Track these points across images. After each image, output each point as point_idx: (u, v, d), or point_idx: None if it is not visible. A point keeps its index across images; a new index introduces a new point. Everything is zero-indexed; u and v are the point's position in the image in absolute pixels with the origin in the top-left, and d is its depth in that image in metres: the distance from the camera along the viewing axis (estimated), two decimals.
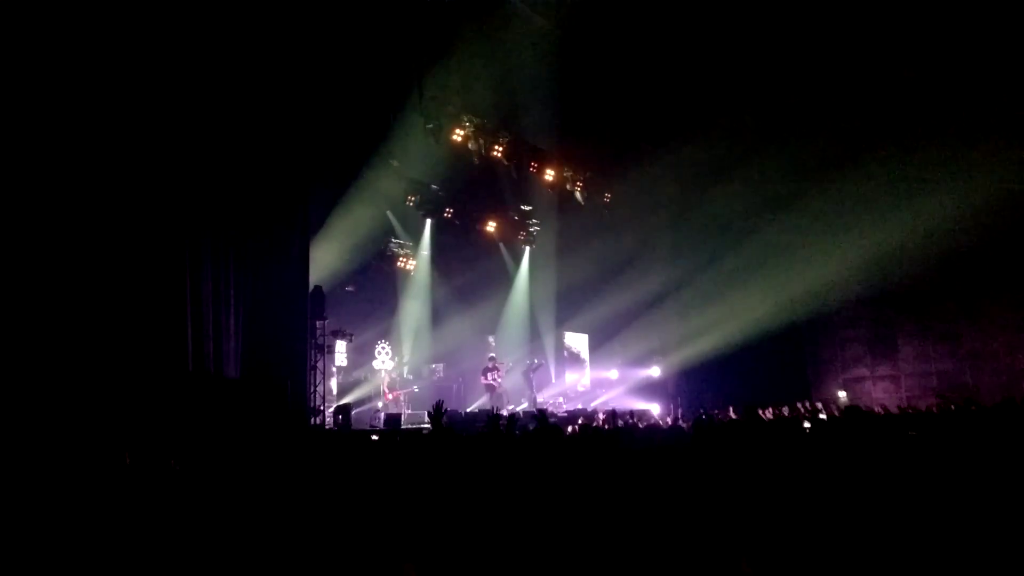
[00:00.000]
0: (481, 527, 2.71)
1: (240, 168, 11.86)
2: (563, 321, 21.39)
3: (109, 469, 5.26)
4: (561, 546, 3.07)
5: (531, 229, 20.31)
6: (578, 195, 19.84)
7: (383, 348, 18.19)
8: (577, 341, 22.18)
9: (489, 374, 17.60)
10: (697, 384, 20.34)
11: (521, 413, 16.20)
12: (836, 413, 13.11)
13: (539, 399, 18.66)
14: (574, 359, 21.64)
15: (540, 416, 7.90)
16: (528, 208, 20.14)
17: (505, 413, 16.21)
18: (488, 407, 16.85)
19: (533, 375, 19.03)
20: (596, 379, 22.04)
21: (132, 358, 9.25)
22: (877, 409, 11.93)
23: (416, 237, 18.70)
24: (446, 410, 6.97)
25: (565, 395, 20.40)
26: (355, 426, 13.89)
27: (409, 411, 16.01)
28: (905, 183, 18.34)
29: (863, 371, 21.59)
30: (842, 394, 20.59)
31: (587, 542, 3.16)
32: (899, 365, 21.07)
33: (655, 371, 21.59)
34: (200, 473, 4.95)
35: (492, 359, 18.04)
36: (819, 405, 15.96)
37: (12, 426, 7.38)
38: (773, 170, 18.72)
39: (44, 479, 5.11)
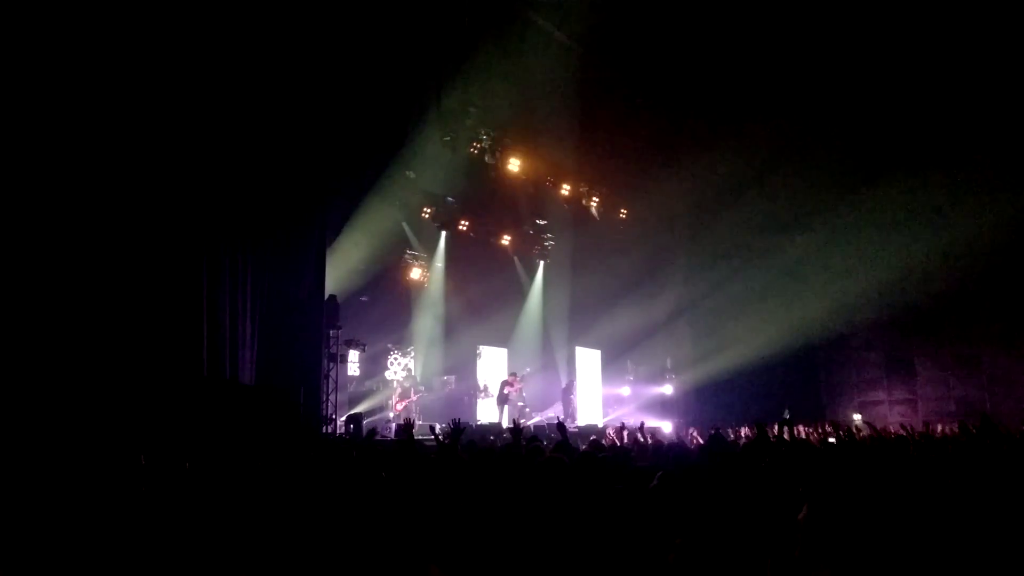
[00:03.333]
0: (499, 535, 2.70)
1: (259, 178, 11.92)
2: (576, 336, 21.32)
3: (125, 470, 5.25)
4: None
5: (546, 243, 20.30)
6: (593, 210, 19.83)
7: (395, 359, 18.20)
8: (589, 357, 22.09)
9: (507, 387, 17.63)
10: (709, 403, 20.19)
11: (532, 427, 16.14)
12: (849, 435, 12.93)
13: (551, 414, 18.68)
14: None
15: (560, 429, 7.88)
16: (543, 222, 20.14)
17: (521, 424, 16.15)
18: (498, 420, 16.84)
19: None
20: (608, 395, 21.94)
21: (149, 362, 9.28)
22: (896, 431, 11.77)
23: (431, 249, 18.71)
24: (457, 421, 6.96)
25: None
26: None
27: (420, 422, 15.94)
28: (925, 204, 18.20)
29: (879, 395, 21.37)
30: (857, 417, 20.38)
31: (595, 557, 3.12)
32: (916, 389, 20.83)
33: (667, 389, 21.46)
34: (216, 476, 4.93)
35: (513, 375, 18.10)
36: (829, 428, 15.75)
37: (31, 427, 7.40)
38: (791, 189, 18.66)
39: (61, 479, 5.11)
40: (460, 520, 2.82)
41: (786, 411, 14.65)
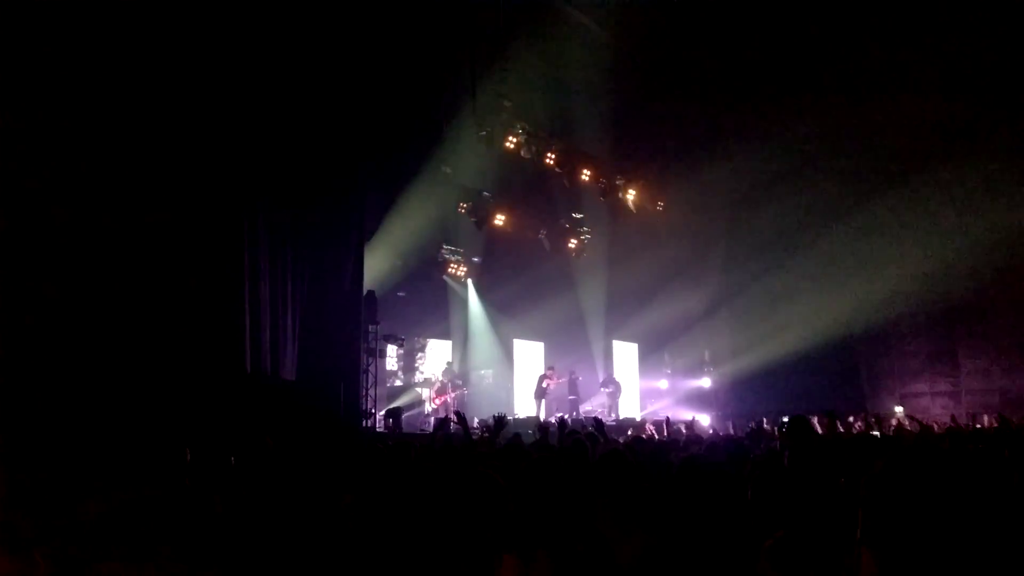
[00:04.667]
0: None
1: (298, 174, 12.07)
2: (613, 330, 21.26)
3: (171, 464, 5.38)
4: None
5: (582, 237, 20.25)
6: (630, 203, 19.74)
7: (433, 354, 18.34)
8: (626, 350, 22.03)
9: (545, 381, 17.70)
10: (749, 396, 20.02)
11: (570, 421, 16.16)
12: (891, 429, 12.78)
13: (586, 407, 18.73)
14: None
15: (597, 427, 7.90)
16: (579, 215, 20.09)
17: (553, 420, 16.22)
18: (536, 413, 16.90)
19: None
20: (646, 389, 21.87)
21: (194, 359, 9.45)
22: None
23: (467, 244, 18.77)
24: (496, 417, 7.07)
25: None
26: (405, 430, 13.98)
27: (454, 412, 16.04)
28: (967, 192, 17.83)
29: (921, 386, 21.00)
30: (899, 409, 20.06)
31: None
32: (960, 381, 20.44)
33: (706, 382, 21.32)
34: (273, 470, 5.02)
35: (550, 369, 18.17)
36: (872, 420, 15.56)
37: (74, 423, 7.59)
38: (830, 178, 18.38)
39: (105, 473, 5.23)
40: (528, 509, 2.88)
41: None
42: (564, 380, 18.37)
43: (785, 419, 8.02)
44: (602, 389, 19.54)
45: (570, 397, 18.40)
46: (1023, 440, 7.45)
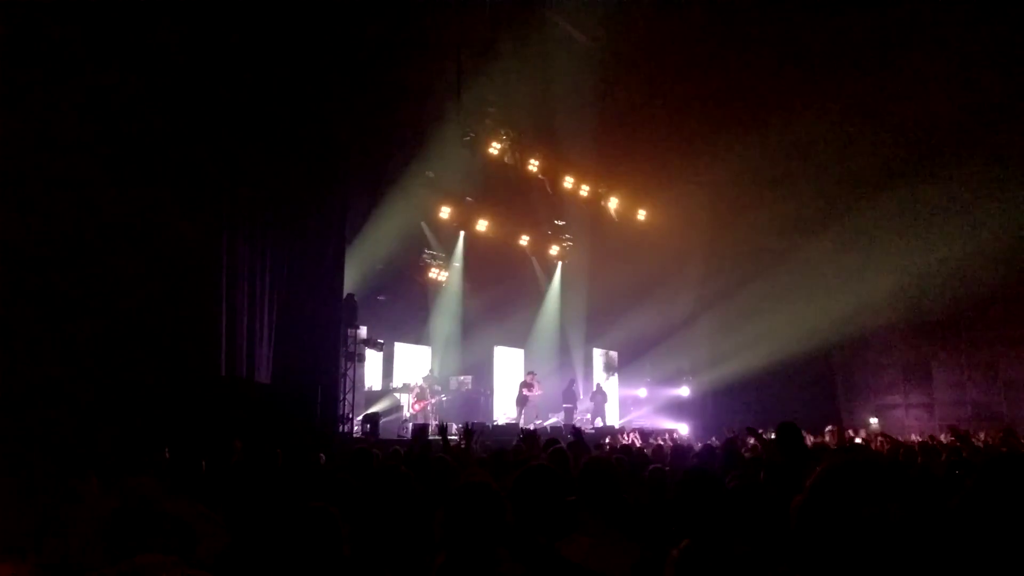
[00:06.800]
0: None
1: (278, 177, 11.99)
2: (593, 337, 21.29)
3: (149, 466, 5.32)
4: None
5: (564, 244, 20.29)
6: (612, 211, 19.82)
7: (412, 359, 18.25)
8: (606, 359, 22.06)
9: (525, 388, 17.63)
10: (727, 406, 20.11)
11: (549, 428, 16.18)
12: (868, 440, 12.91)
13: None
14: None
15: (576, 436, 7.89)
16: (561, 223, 20.12)
17: (532, 427, 16.19)
18: (516, 420, 16.85)
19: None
20: (625, 396, 21.90)
21: (169, 361, 9.35)
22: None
23: (449, 249, 18.73)
24: (474, 424, 7.06)
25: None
26: (382, 436, 13.88)
27: (436, 422, 15.97)
28: (944, 208, 18.06)
29: (896, 398, 21.25)
30: (874, 421, 20.25)
31: None
32: (933, 393, 20.72)
33: (684, 391, 21.41)
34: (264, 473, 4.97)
35: (531, 374, 18.09)
36: (850, 433, 15.70)
37: (53, 426, 7.49)
38: (810, 191, 18.53)
39: (82, 475, 5.16)
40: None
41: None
42: (541, 392, 18.25)
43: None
44: (582, 396, 19.57)
45: (565, 405, 18.33)
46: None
